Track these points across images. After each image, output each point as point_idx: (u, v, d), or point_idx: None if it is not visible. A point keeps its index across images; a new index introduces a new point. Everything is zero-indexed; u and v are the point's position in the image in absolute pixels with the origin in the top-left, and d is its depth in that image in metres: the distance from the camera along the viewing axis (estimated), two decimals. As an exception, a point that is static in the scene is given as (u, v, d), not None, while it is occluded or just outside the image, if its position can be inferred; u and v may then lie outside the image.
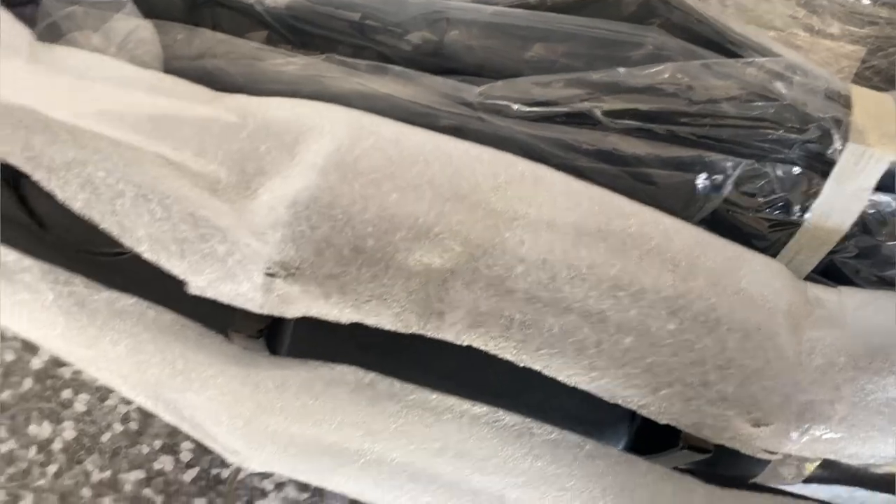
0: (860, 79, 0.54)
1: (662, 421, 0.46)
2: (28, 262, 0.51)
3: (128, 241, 0.45)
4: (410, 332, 0.46)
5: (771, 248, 0.51)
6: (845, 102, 0.48)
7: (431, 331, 0.46)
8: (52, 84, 0.45)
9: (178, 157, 0.45)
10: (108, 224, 0.45)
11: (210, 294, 0.45)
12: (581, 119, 0.49)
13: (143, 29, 0.52)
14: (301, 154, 0.46)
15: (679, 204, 0.50)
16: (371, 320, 0.46)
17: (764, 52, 0.50)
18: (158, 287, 0.50)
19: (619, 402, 0.46)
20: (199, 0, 0.54)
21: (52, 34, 0.52)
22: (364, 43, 0.52)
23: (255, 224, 0.44)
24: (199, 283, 0.45)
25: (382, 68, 0.50)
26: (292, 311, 0.45)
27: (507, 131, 0.49)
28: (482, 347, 0.46)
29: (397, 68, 0.51)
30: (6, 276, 0.52)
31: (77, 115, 0.45)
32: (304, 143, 0.46)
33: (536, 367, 0.46)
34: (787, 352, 0.46)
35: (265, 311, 0.45)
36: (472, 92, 0.49)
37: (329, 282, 0.44)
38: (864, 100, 0.49)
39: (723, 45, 0.50)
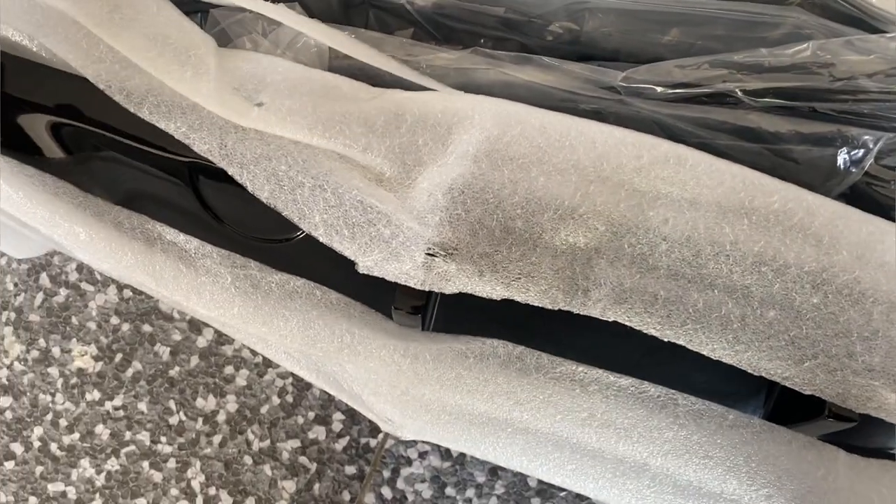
0: None
1: (806, 391, 0.46)
2: (208, 248, 0.56)
3: (306, 226, 0.49)
4: (557, 307, 0.48)
5: None
6: None
7: (577, 307, 0.47)
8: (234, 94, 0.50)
9: (349, 153, 0.48)
10: (289, 211, 0.49)
11: (377, 273, 0.49)
12: (721, 99, 0.50)
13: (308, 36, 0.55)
14: (454, 144, 0.48)
15: (819, 179, 0.50)
16: (520, 297, 0.48)
17: None
18: (323, 271, 0.56)
19: (763, 374, 0.46)
20: (354, 2, 0.56)
21: (221, 40, 0.56)
22: (506, 35, 0.54)
23: (416, 209, 0.47)
24: (367, 263, 0.49)
25: (525, 58, 0.52)
26: (450, 288, 0.48)
27: (647, 113, 0.50)
28: (627, 323, 0.47)
29: (539, 57, 0.52)
30: (188, 262, 0.57)
31: (260, 120, 0.49)
32: (455, 133, 0.48)
33: (681, 341, 0.47)
34: None
35: (426, 287, 0.48)
36: (616, 76, 0.50)
37: (483, 260, 0.47)
38: None
39: (864, 20, 0.50)
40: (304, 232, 0.52)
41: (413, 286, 0.49)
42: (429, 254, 0.47)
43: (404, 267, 0.48)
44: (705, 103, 0.50)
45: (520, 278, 0.47)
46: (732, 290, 0.46)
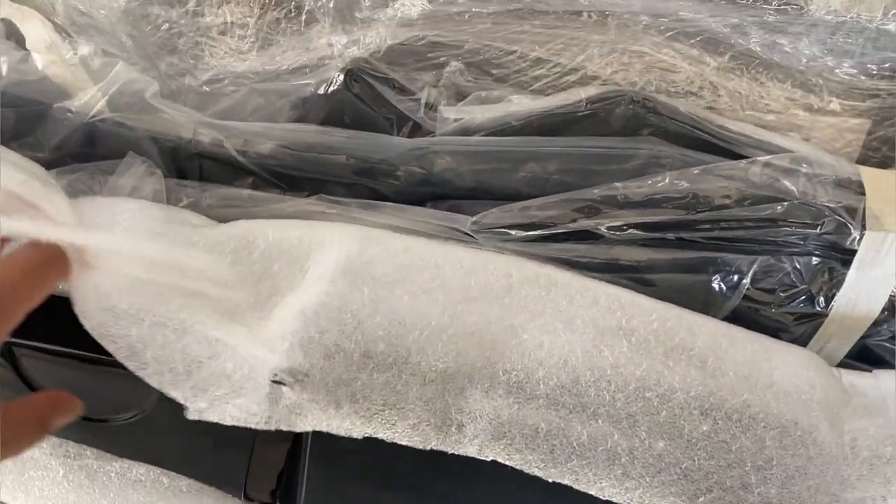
0: (868, 150, 0.54)
1: None
2: (36, 437, 0.50)
3: (133, 366, 0.45)
4: (429, 447, 0.45)
5: (799, 340, 0.50)
6: (857, 188, 0.48)
7: (451, 445, 0.45)
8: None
9: (197, 287, 0.46)
10: (116, 348, 0.45)
11: (211, 416, 0.45)
12: (582, 235, 0.50)
13: (147, 186, 0.54)
14: (312, 268, 0.47)
15: (698, 307, 0.49)
16: (385, 433, 0.45)
17: (766, 147, 0.50)
18: (171, 452, 0.51)
19: None
20: (182, 156, 0.54)
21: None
22: (353, 180, 0.52)
23: (267, 338, 0.45)
24: (201, 405, 0.45)
25: (374, 205, 0.52)
26: (301, 424, 0.45)
27: (507, 253, 0.50)
28: (507, 462, 0.45)
29: (389, 204, 0.52)
30: (15, 455, 0.51)
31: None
32: (314, 256, 0.47)
33: (566, 481, 0.44)
34: (830, 446, 0.45)
35: (272, 425, 0.45)
36: (466, 222, 0.50)
37: (339, 389, 0.44)
38: (877, 182, 0.48)
39: (721, 146, 0.49)
40: (142, 411, 0.49)
41: (256, 426, 0.44)
42: (275, 381, 0.44)
43: (247, 402, 0.44)
44: (566, 240, 0.49)
45: (384, 410, 0.45)
46: (617, 419, 0.44)
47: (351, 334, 0.45)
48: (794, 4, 0.48)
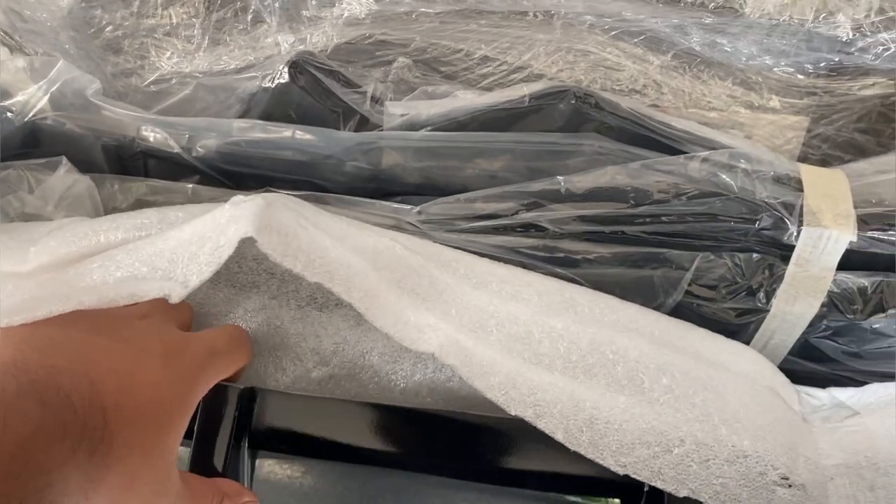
0: (808, 148, 0.55)
1: (682, 493, 0.42)
2: None
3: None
4: (388, 332, 0.43)
5: (742, 336, 0.51)
6: (796, 185, 0.49)
7: (410, 339, 0.43)
8: None
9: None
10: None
11: (194, 279, 0.41)
12: (527, 227, 0.50)
13: (79, 184, 0.54)
14: None
15: (640, 302, 0.50)
16: (339, 287, 0.42)
17: (706, 143, 0.51)
18: None
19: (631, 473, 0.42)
20: (126, 154, 0.53)
21: (-17, 200, 0.54)
22: (299, 177, 0.52)
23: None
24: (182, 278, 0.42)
25: (319, 198, 0.53)
26: (266, 236, 0.41)
27: (456, 241, 0.50)
28: (465, 376, 0.42)
29: (334, 196, 0.52)
30: None
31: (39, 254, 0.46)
32: None
33: (528, 415, 0.41)
34: (795, 415, 0.46)
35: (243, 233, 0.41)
36: (411, 212, 0.50)
37: (299, 227, 0.43)
38: (816, 179, 0.49)
39: (662, 142, 0.50)
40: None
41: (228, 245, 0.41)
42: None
43: (211, 245, 0.41)
44: (511, 232, 0.50)
45: (339, 269, 0.43)
46: (574, 373, 0.44)
47: (303, 217, 0.45)
48: (731, 7, 0.50)
